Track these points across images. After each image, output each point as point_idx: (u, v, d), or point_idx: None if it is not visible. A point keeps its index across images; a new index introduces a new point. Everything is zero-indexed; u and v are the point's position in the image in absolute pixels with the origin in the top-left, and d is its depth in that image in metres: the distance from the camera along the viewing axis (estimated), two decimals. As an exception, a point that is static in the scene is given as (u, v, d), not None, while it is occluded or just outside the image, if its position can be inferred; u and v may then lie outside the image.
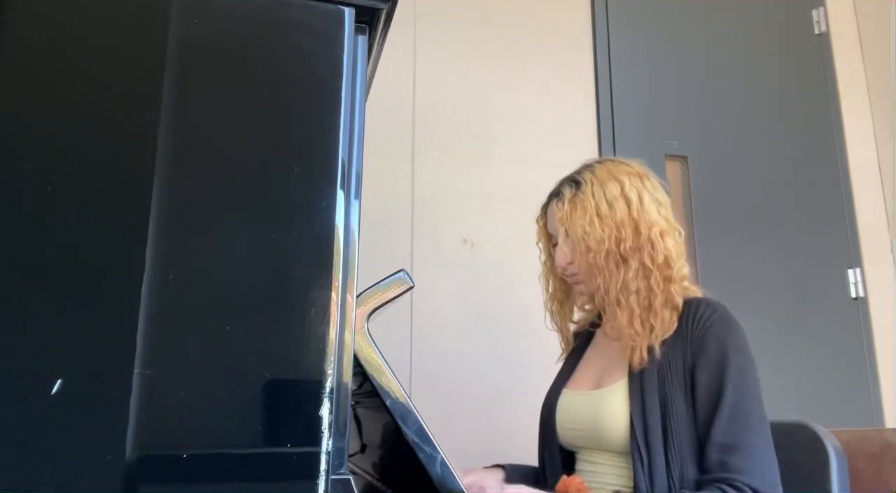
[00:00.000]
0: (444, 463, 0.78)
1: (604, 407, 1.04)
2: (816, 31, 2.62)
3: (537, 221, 1.22)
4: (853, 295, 2.37)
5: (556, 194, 1.16)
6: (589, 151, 2.24)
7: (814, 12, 2.63)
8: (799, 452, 1.05)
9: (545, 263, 1.23)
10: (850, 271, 2.39)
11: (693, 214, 2.31)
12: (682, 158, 2.37)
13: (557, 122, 2.24)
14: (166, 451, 0.61)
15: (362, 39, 0.80)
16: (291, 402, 0.65)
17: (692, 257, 2.28)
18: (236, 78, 0.72)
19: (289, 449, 0.63)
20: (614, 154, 2.25)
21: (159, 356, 0.62)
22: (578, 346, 1.24)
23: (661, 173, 2.31)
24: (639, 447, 0.98)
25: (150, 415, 0.61)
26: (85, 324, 0.62)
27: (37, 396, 0.59)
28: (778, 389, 2.20)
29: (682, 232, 1.13)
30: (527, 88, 2.24)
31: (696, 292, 1.09)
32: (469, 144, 2.14)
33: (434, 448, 0.78)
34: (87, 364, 0.61)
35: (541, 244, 1.23)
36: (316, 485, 0.63)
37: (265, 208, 0.69)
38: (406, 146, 2.09)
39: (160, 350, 0.62)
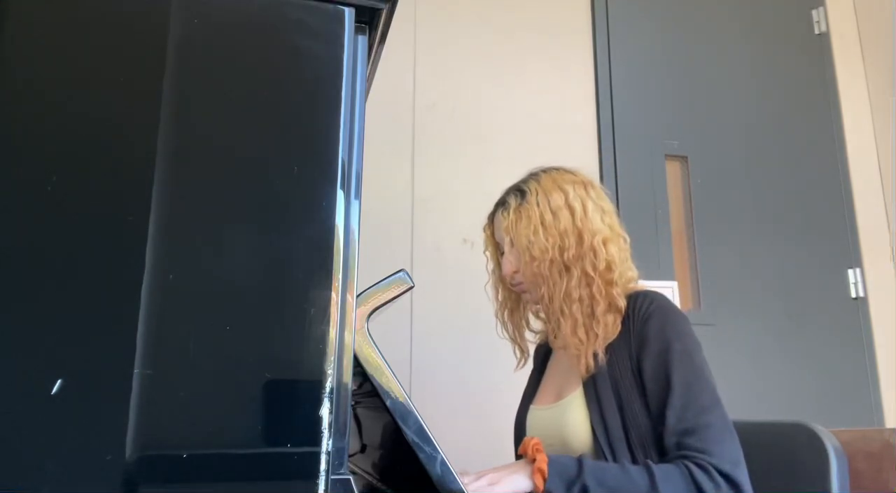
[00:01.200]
0: (444, 463, 0.78)
1: (565, 418, 1.05)
2: (816, 31, 2.62)
3: (484, 230, 1.22)
4: (853, 295, 2.37)
5: (501, 203, 1.17)
6: (589, 151, 2.24)
7: (814, 12, 2.64)
8: (799, 452, 1.05)
9: (493, 271, 1.23)
10: (850, 271, 2.39)
11: (693, 214, 2.31)
12: (682, 158, 2.37)
13: (557, 122, 2.24)
14: (166, 451, 0.61)
15: (362, 39, 0.80)
16: (291, 402, 0.65)
17: (692, 256, 2.28)
18: (236, 78, 0.72)
19: (289, 449, 0.63)
20: (614, 154, 2.25)
21: (159, 356, 0.62)
22: (541, 361, 1.25)
23: (661, 173, 2.32)
24: (603, 452, 0.98)
25: (150, 415, 0.61)
26: (85, 324, 0.62)
27: (37, 396, 0.59)
28: (778, 389, 2.20)
29: (628, 239, 1.13)
30: (527, 88, 2.24)
31: (641, 288, 1.10)
32: (469, 144, 2.14)
33: (434, 448, 0.78)
34: (87, 364, 0.61)
35: (488, 253, 1.23)
36: (316, 485, 0.63)
37: (265, 208, 0.69)
38: (406, 146, 2.09)
39: (160, 350, 0.62)
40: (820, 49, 2.61)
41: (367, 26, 0.81)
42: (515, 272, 1.13)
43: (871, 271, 2.40)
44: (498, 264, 1.21)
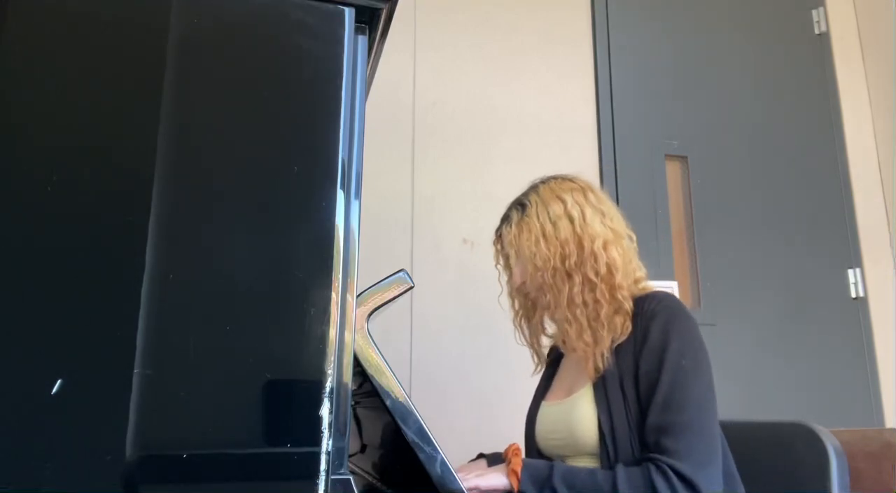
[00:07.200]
0: (444, 463, 0.78)
1: (574, 412, 1.07)
2: (816, 31, 2.62)
3: (494, 244, 1.26)
4: (853, 295, 2.37)
5: (505, 219, 1.20)
6: (589, 151, 2.24)
7: (814, 12, 2.63)
8: (799, 452, 1.05)
9: (507, 283, 1.27)
10: (850, 271, 2.39)
11: (693, 214, 2.31)
12: (682, 158, 2.37)
13: (557, 121, 2.24)
14: (166, 451, 0.61)
15: (362, 39, 0.80)
16: (291, 402, 0.65)
17: (692, 256, 2.28)
18: (236, 78, 0.72)
19: (289, 449, 0.63)
20: (614, 154, 2.25)
21: (159, 356, 0.62)
22: (553, 361, 1.28)
23: (660, 173, 2.32)
24: (607, 447, 1.01)
25: (150, 415, 0.61)
26: (85, 324, 0.62)
27: (37, 396, 0.59)
28: (778, 389, 2.20)
29: (634, 237, 1.16)
30: (527, 87, 2.24)
31: (651, 289, 1.12)
32: (469, 144, 2.14)
33: (434, 448, 0.78)
34: (87, 364, 0.61)
35: (500, 266, 1.26)
36: (316, 485, 0.63)
37: (265, 208, 0.69)
38: (406, 146, 2.08)
39: (160, 350, 0.62)
40: (820, 49, 2.61)
41: (367, 26, 0.81)
42: (523, 283, 1.16)
43: (871, 271, 2.40)
44: (511, 276, 1.24)
